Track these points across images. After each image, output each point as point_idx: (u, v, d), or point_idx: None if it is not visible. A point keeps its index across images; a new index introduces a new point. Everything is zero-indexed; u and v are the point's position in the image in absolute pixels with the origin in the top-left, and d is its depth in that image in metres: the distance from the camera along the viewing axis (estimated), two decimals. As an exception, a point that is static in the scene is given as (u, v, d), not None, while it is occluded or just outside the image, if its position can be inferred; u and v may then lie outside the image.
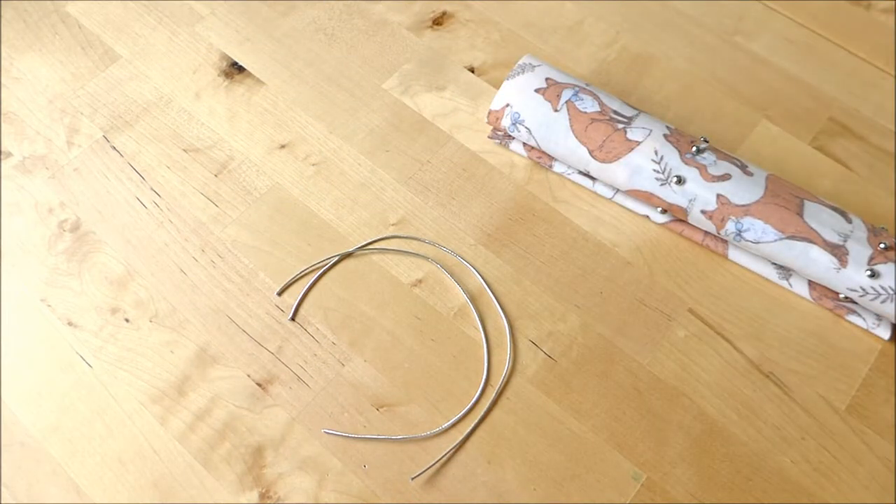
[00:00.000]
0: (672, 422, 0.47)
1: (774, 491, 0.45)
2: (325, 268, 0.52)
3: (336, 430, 0.47)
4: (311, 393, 0.48)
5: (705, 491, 0.45)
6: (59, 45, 0.62)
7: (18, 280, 0.52)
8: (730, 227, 0.49)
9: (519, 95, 0.53)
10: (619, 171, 0.51)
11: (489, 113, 0.55)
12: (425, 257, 0.53)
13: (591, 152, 0.51)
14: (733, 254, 0.52)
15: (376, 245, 0.53)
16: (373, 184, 0.56)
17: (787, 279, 0.51)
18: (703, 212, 0.50)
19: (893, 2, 0.65)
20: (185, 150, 0.57)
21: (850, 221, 0.48)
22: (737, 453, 0.46)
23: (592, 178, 0.55)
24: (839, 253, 0.47)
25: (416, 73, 0.61)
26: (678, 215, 0.51)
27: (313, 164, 0.56)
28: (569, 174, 0.55)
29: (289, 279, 0.52)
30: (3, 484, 0.45)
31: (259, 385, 0.48)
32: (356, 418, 0.47)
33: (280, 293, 0.51)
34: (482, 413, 0.47)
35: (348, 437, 0.46)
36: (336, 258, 0.53)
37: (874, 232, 0.48)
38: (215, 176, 0.56)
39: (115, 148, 0.57)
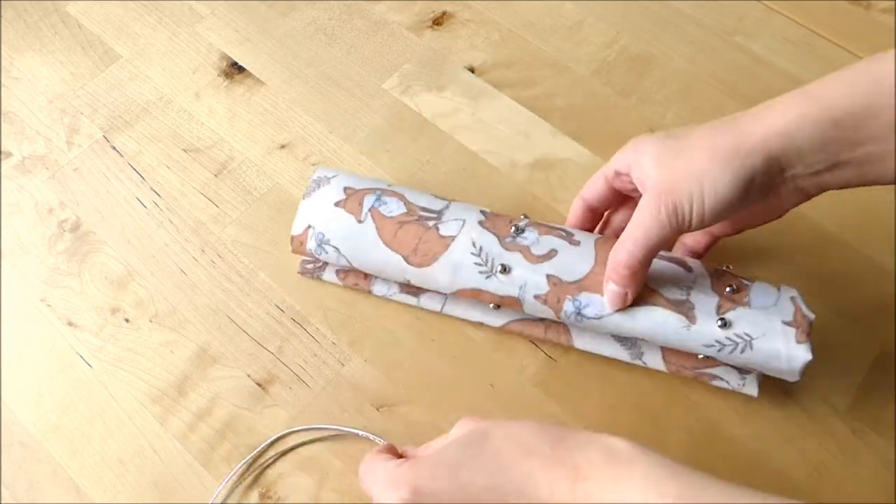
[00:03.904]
0: (672, 422, 0.47)
1: (774, 491, 0.45)
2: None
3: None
4: (311, 393, 0.48)
5: (705, 491, 0.45)
6: (59, 45, 0.62)
7: (18, 280, 0.52)
8: (568, 307, 0.44)
9: (319, 213, 0.47)
10: (440, 273, 0.45)
11: (292, 239, 0.48)
12: (425, 257, 0.53)
13: (406, 258, 0.46)
14: (578, 341, 0.48)
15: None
16: (373, 184, 0.56)
17: (640, 357, 0.47)
18: (536, 297, 0.44)
19: (893, 2, 0.65)
20: (185, 150, 0.57)
21: (689, 269, 0.44)
22: (737, 453, 0.46)
23: (416, 295, 0.50)
24: (685, 309, 0.43)
25: (416, 73, 0.61)
26: (512, 307, 0.46)
27: (313, 164, 0.56)
28: (391, 295, 0.50)
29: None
30: (3, 484, 0.45)
31: (259, 385, 0.48)
32: (356, 418, 0.47)
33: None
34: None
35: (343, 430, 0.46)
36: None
37: (716, 275, 0.44)
38: (215, 176, 0.56)
39: (115, 148, 0.57)
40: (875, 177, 0.38)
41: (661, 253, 0.45)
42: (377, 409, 0.47)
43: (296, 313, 0.51)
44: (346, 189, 0.48)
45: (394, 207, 0.47)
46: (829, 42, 0.63)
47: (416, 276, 0.46)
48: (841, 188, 0.40)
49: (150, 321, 0.50)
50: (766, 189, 0.39)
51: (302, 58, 0.62)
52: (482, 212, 0.47)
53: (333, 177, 0.49)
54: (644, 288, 0.43)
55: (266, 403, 0.48)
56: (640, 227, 0.40)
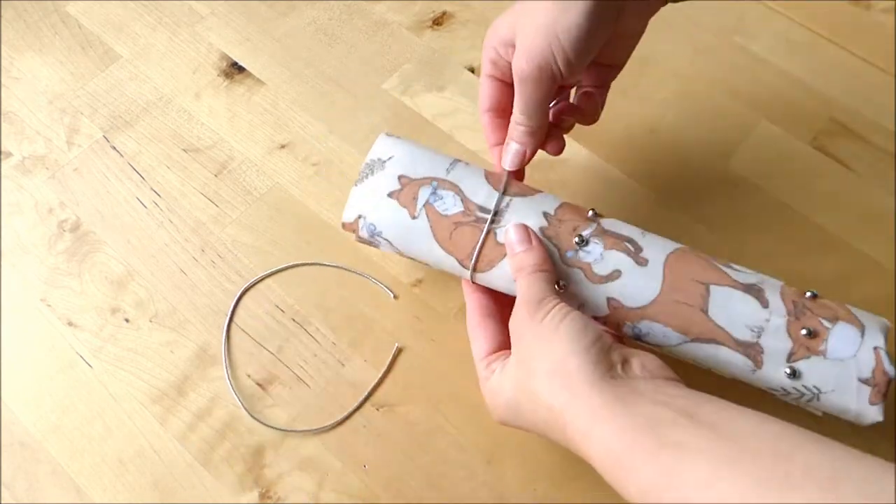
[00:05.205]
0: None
1: (774, 491, 0.45)
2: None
3: (335, 429, 0.47)
4: (312, 393, 0.48)
5: (705, 491, 0.45)
6: (59, 45, 0.62)
7: (18, 280, 0.52)
8: (626, 331, 0.42)
9: (370, 203, 0.45)
10: (497, 279, 0.43)
11: (343, 225, 0.46)
12: (425, 257, 0.53)
13: (460, 262, 0.44)
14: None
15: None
16: (373, 184, 0.56)
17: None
18: (594, 318, 0.42)
19: (893, 2, 0.65)
20: (185, 150, 0.57)
21: (766, 305, 0.40)
22: (737, 453, 0.46)
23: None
24: (753, 352, 0.40)
25: (416, 73, 0.61)
26: None
27: (313, 164, 0.56)
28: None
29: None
30: (3, 484, 0.45)
31: (259, 385, 0.48)
32: (356, 418, 0.47)
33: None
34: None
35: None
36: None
37: (796, 313, 0.40)
38: (215, 176, 0.56)
39: (115, 148, 0.57)
40: None
41: (738, 280, 0.41)
42: (377, 409, 0.47)
43: (296, 313, 0.51)
44: (400, 178, 0.45)
45: (450, 204, 0.44)
46: (829, 42, 0.63)
47: (472, 277, 0.44)
48: None
49: (150, 321, 0.50)
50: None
51: (302, 58, 0.62)
52: (545, 214, 0.43)
53: (388, 160, 0.46)
54: (710, 325, 0.40)
55: (266, 403, 0.48)
56: (521, 93, 0.42)
